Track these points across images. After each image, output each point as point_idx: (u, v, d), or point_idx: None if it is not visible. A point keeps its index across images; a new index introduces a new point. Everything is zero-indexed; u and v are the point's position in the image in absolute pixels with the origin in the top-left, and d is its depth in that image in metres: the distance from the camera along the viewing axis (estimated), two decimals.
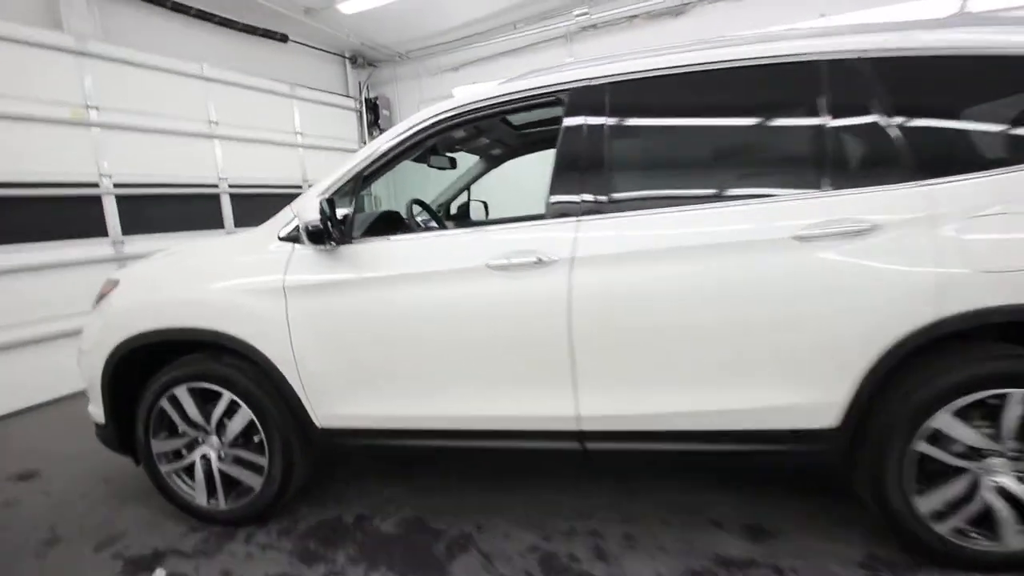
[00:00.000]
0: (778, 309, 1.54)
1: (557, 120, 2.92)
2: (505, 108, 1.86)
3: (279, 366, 1.89)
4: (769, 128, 1.67)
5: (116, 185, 4.22)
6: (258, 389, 1.94)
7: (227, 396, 1.97)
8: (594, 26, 5.68)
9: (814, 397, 1.56)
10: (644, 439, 1.70)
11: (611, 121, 1.71)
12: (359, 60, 6.85)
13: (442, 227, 2.68)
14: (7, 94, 3.59)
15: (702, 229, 1.59)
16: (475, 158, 3.26)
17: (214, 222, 4.93)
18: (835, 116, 1.56)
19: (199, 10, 4.95)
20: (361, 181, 1.91)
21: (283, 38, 5.73)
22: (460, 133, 2.56)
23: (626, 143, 1.75)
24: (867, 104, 1.54)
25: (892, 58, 1.56)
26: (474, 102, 1.86)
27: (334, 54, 6.70)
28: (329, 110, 6.50)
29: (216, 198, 5.02)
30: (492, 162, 3.22)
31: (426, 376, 1.81)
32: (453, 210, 3.43)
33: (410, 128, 1.89)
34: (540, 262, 1.65)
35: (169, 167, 4.61)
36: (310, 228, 1.72)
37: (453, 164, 3.07)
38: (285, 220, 1.94)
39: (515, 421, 1.77)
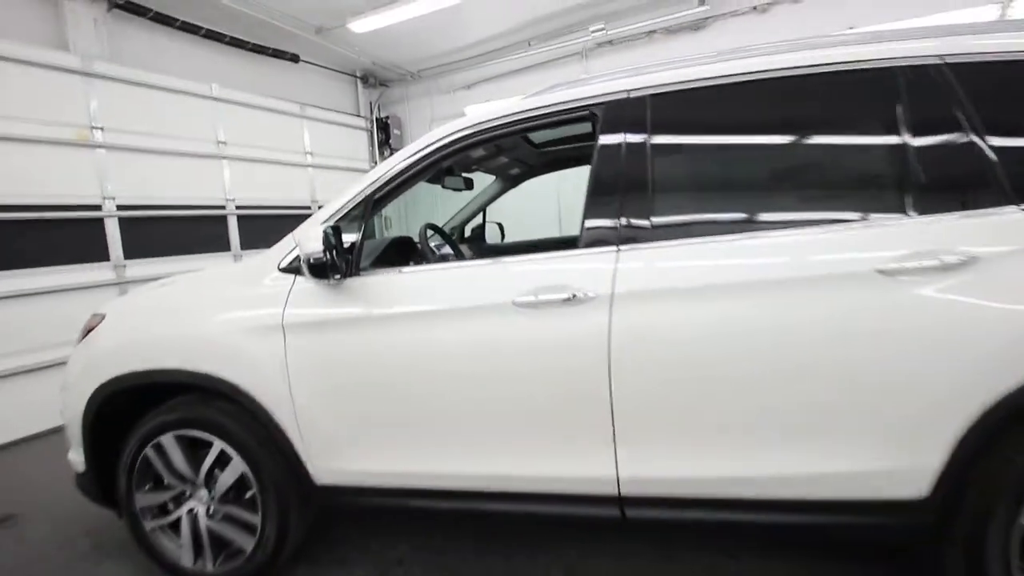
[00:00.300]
0: (858, 357, 1.29)
1: (581, 138, 2.78)
2: (530, 125, 1.66)
3: (275, 413, 1.67)
4: (841, 143, 1.45)
5: (120, 207, 4.08)
6: (252, 439, 1.72)
7: (218, 446, 1.75)
8: (610, 42, 5.54)
9: (899, 462, 1.31)
10: (693, 507, 1.45)
11: (654, 138, 1.50)
12: (370, 79, 6.78)
13: (459, 255, 2.46)
14: (10, 115, 3.49)
15: (765, 261, 1.36)
16: (490, 177, 3.08)
17: (220, 245, 4.79)
18: (919, 129, 1.34)
19: (209, 30, 4.88)
20: (372, 205, 1.71)
21: (294, 58, 5.65)
22: (479, 152, 2.37)
23: (672, 162, 1.54)
24: (956, 115, 1.32)
25: (981, 63, 1.35)
26: (495, 119, 1.66)
27: (345, 73, 6.62)
28: (339, 130, 6.40)
29: (223, 220, 4.88)
30: (510, 182, 3.03)
31: (440, 428, 1.58)
32: (467, 232, 3.24)
33: (425, 147, 1.69)
34: (574, 299, 1.43)
35: (175, 189, 4.48)
36: (312, 260, 1.51)
37: (469, 185, 2.86)
38: (286, 249, 1.74)
39: (543, 483, 1.53)
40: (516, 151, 2.62)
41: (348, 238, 1.65)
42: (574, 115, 1.62)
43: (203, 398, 1.80)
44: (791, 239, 1.36)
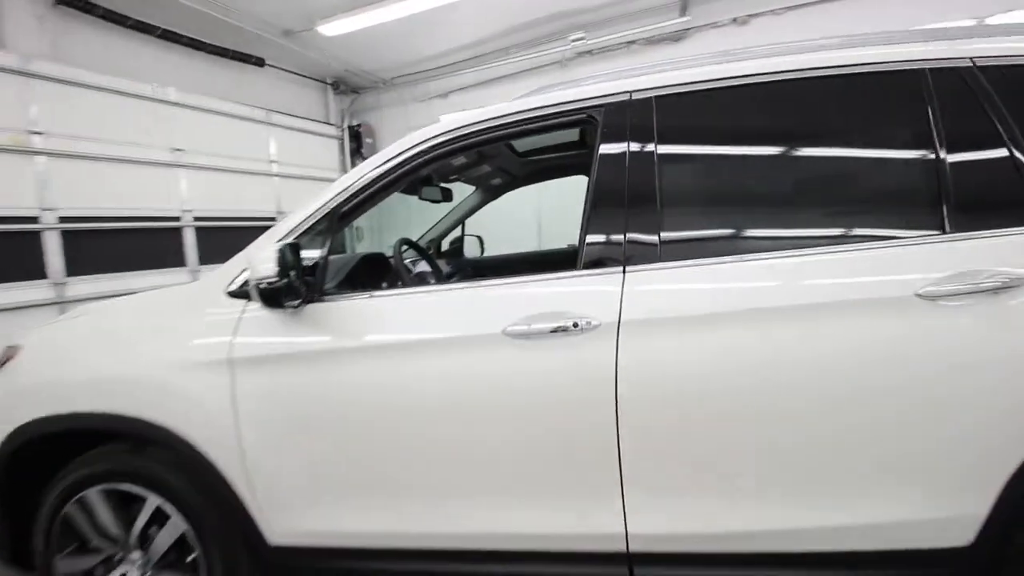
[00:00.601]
0: (896, 392, 1.14)
1: (568, 146, 2.61)
2: (519, 129, 1.46)
3: (221, 465, 1.41)
4: (872, 152, 1.29)
5: (62, 219, 3.73)
6: (194, 493, 1.46)
7: (153, 501, 1.49)
8: (590, 52, 5.44)
9: (940, 509, 1.16)
10: (714, 564, 1.27)
11: (662, 145, 1.33)
12: (341, 86, 6.52)
13: (437, 271, 2.23)
14: None
15: (793, 283, 1.19)
16: (469, 188, 2.88)
17: (175, 259, 4.44)
18: (958, 139, 1.20)
19: (165, 30, 4.57)
20: (338, 219, 1.48)
21: (259, 62, 5.37)
22: (460, 160, 2.17)
23: (683, 172, 1.36)
24: (998, 123, 1.19)
25: (1017, 67, 1.22)
26: (480, 122, 1.46)
27: (315, 79, 6.36)
28: (308, 138, 6.11)
29: (179, 232, 4.54)
30: (491, 193, 2.84)
31: (421, 480, 1.35)
32: (445, 246, 3.02)
33: (401, 154, 1.48)
34: (575, 328, 1.23)
35: (126, 199, 4.13)
36: (264, 285, 1.27)
37: (448, 196, 2.65)
38: (235, 269, 1.49)
39: (540, 540, 1.32)
40: (499, 160, 2.43)
41: (312, 253, 1.43)
42: (570, 119, 1.44)
43: (136, 446, 1.53)
44: (821, 259, 1.20)
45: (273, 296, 1.27)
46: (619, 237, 1.29)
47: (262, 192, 5.41)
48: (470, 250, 3.03)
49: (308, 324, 1.39)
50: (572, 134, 2.39)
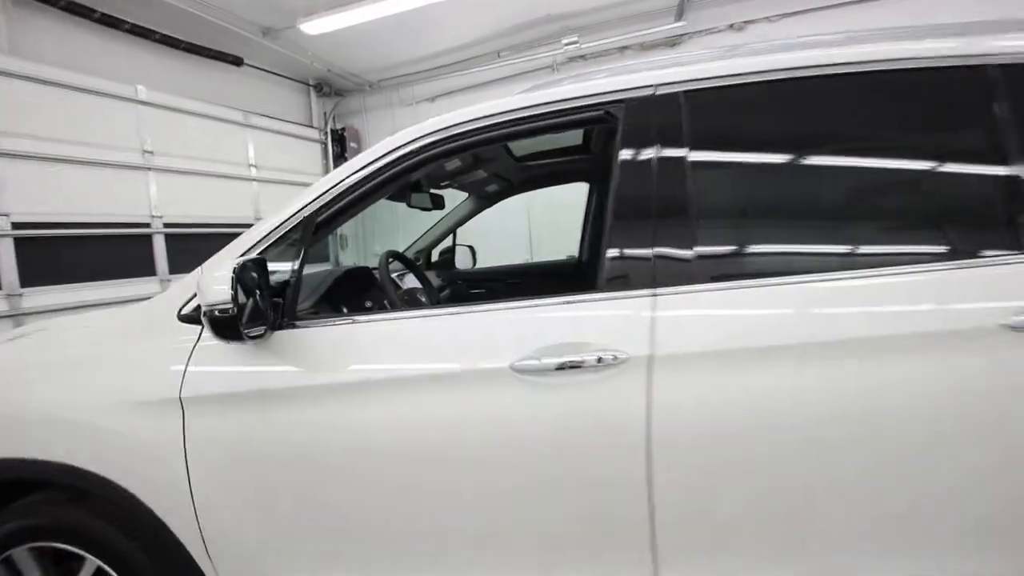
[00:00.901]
0: (982, 439, 0.97)
1: (569, 151, 2.43)
2: (524, 128, 1.26)
3: (170, 521, 1.18)
4: (942, 155, 1.12)
5: (15, 225, 3.42)
6: (141, 555, 1.22)
7: (92, 563, 1.25)
8: (583, 56, 5.29)
9: None
10: None
11: (695, 147, 1.14)
12: (325, 88, 6.28)
13: (430, 290, 2.00)
14: None
15: (857, 310, 1.01)
16: (461, 195, 2.67)
17: (143, 268, 4.14)
18: None
19: (134, 25, 4.29)
20: (313, 230, 1.27)
21: (236, 61, 5.11)
22: (453, 163, 1.96)
23: (721, 177, 1.18)
24: None
25: None
26: (478, 119, 1.26)
27: (297, 81, 6.10)
28: (290, 141, 5.85)
29: (148, 240, 4.25)
30: (484, 201, 2.64)
31: (411, 540, 1.14)
32: (434, 256, 2.81)
33: (386, 155, 1.27)
34: (600, 363, 1.03)
35: (89, 203, 3.84)
36: (215, 314, 1.04)
37: (439, 204, 2.43)
38: (189, 289, 1.26)
39: None
40: (495, 164, 2.23)
41: (282, 267, 1.21)
42: (582, 116, 1.24)
43: (72, 497, 1.29)
44: (886, 282, 1.02)
45: (228, 325, 1.04)
46: (647, 253, 1.10)
47: (239, 198, 5.13)
48: (462, 261, 2.82)
49: (277, 355, 1.17)
50: (575, 137, 2.20)
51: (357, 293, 1.67)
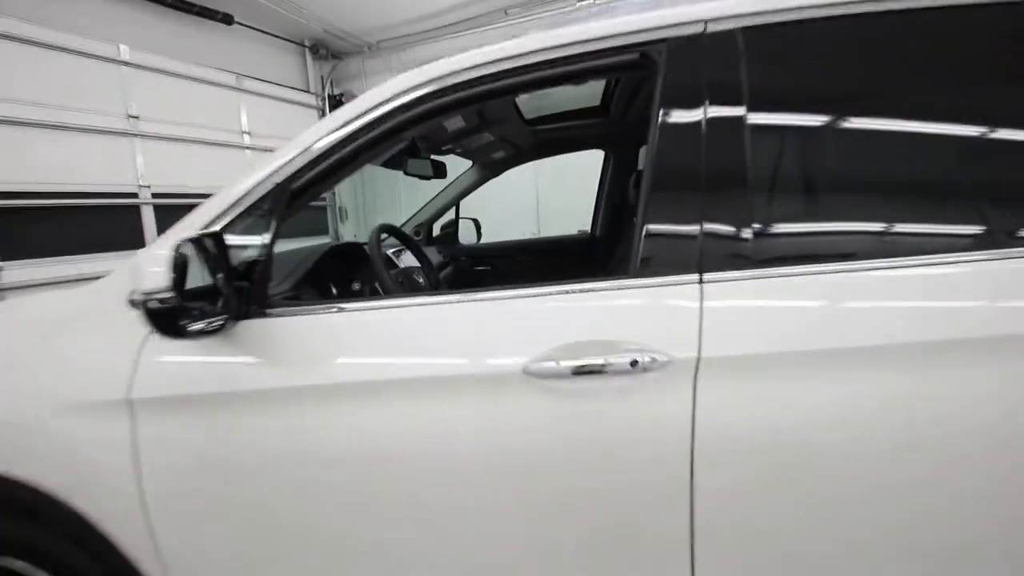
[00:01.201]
0: None
1: (585, 113, 2.18)
2: (541, 75, 1.03)
3: (120, 541, 1.01)
4: None
5: None
6: (95, 571, 1.06)
7: None
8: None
9: None
10: None
11: (757, 97, 0.91)
12: (321, 50, 5.95)
13: (429, 268, 1.78)
14: None
15: (982, 303, 0.80)
16: (463, 163, 2.44)
17: (130, 240, 3.94)
18: None
19: None
20: (288, 198, 1.06)
21: (226, 19, 4.79)
22: (456, 124, 1.72)
23: (789, 137, 0.95)
24: None
25: None
26: (485, 64, 1.03)
27: (292, 42, 5.77)
28: (284, 106, 5.57)
29: (135, 210, 4.04)
30: (489, 170, 2.40)
31: (406, 563, 0.96)
32: (436, 231, 2.60)
33: (374, 108, 1.05)
34: (635, 367, 0.83)
35: (70, 172, 3.63)
36: (153, 304, 0.84)
37: (441, 172, 2.20)
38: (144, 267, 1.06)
39: None
40: (503, 127, 1.99)
41: (251, 241, 1.01)
42: (612, 61, 1.01)
43: (26, 509, 1.12)
44: (1007, 267, 0.80)
45: (168, 318, 0.84)
46: (693, 229, 0.89)
47: (232, 165, 4.89)
48: (465, 236, 2.60)
49: (242, 349, 0.97)
50: (593, 95, 1.96)
51: (346, 273, 1.47)
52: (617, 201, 2.40)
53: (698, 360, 0.82)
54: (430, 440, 0.90)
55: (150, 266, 0.83)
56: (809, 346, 0.81)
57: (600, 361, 0.84)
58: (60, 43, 3.58)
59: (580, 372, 0.84)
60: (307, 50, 5.92)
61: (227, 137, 4.84)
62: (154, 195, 4.12)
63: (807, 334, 0.82)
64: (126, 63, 3.98)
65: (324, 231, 5.98)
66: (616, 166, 2.41)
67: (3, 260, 3.29)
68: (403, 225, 2.48)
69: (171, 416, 0.98)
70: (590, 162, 2.58)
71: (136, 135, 4.04)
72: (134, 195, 4.02)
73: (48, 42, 3.52)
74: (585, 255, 2.44)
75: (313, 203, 5.93)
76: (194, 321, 0.86)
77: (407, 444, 0.91)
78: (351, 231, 6.24)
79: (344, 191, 6.20)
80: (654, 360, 0.83)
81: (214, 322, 0.89)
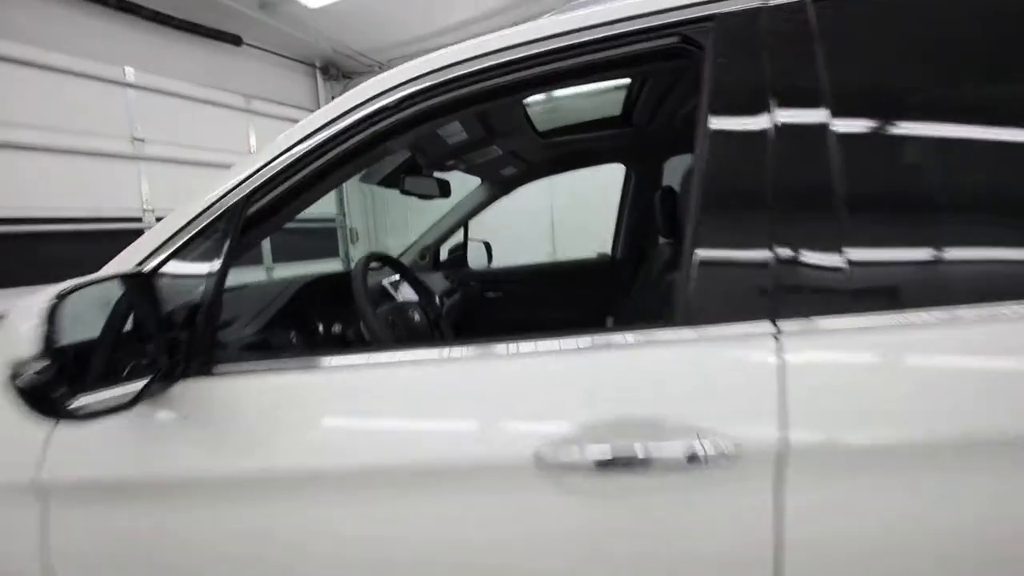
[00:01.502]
0: None
1: (604, 124, 1.97)
2: (557, 67, 0.82)
3: None
4: None
5: None
6: None
7: None
8: None
9: None
10: None
11: (842, 87, 0.69)
12: (332, 70, 5.89)
13: (428, 305, 1.53)
14: None
15: None
16: (471, 180, 2.24)
17: None
18: None
19: (122, 1, 3.95)
20: (241, 226, 0.86)
21: (235, 40, 4.75)
22: (460, 135, 1.51)
23: (888, 143, 0.72)
24: None
25: None
26: (488, 54, 0.82)
27: (302, 62, 5.72)
28: None
29: (139, 234, 3.92)
30: (499, 187, 2.20)
31: None
32: (444, 254, 2.40)
33: (349, 112, 0.85)
34: (693, 462, 0.60)
35: (72, 197, 3.53)
36: (21, 382, 0.62)
37: (444, 191, 1.99)
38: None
39: None
40: (513, 138, 1.78)
41: (185, 268, 0.81)
42: (647, 47, 0.80)
43: None
44: None
45: (41, 394, 0.63)
46: (762, 259, 0.66)
47: None
48: (475, 259, 2.39)
49: (183, 419, 0.76)
50: (613, 103, 1.75)
51: (328, 311, 1.26)
52: (640, 220, 2.17)
53: (784, 447, 0.59)
54: (400, 547, 0.67)
55: (11, 331, 0.62)
56: (951, 425, 0.57)
57: (638, 453, 0.61)
58: (65, 66, 3.52)
59: (610, 465, 0.61)
60: (318, 70, 5.87)
61: (236, 160, 4.75)
62: (159, 219, 4.01)
63: (948, 408, 0.58)
64: (132, 85, 3.91)
65: (335, 254, 5.85)
66: (639, 181, 2.19)
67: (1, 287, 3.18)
68: (409, 248, 2.29)
69: (89, 500, 0.77)
70: (610, 177, 2.37)
71: (141, 158, 3.95)
72: (139, 219, 3.92)
73: (53, 65, 3.46)
74: (605, 280, 2.21)
75: (321, 225, 5.82)
76: (87, 392, 0.65)
77: (384, 550, 0.69)
78: (363, 254, 6.10)
79: (355, 211, 6.07)
80: (720, 450, 0.59)
81: (117, 396, 0.67)
